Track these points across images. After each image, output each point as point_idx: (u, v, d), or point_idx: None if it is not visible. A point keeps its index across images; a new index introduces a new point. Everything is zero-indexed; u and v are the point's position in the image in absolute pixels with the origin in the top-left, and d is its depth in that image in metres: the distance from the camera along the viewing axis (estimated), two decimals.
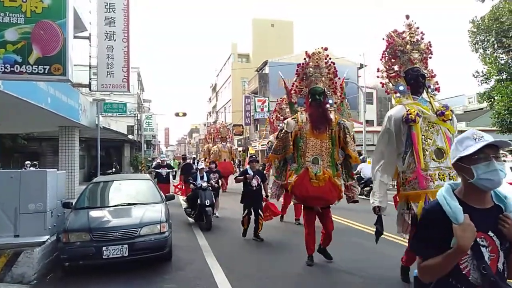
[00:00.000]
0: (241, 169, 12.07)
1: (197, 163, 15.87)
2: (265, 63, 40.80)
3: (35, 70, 5.56)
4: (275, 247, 7.09)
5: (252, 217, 7.50)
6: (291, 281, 5.19)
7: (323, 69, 5.86)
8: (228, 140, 18.27)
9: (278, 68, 39.45)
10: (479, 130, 1.79)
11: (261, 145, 39.94)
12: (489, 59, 18.35)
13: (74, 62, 6.11)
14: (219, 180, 10.48)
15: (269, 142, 9.14)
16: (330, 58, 6.09)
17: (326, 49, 6.03)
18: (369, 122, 28.81)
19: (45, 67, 5.60)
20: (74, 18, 6.64)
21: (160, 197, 6.73)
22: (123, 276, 5.34)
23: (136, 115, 37.08)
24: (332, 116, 5.73)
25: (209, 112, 72.51)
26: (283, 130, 5.76)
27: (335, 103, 6.04)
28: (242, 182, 7.72)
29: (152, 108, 55.95)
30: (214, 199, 8.94)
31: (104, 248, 5.16)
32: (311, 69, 5.84)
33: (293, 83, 6.27)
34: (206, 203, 8.39)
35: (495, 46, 18.81)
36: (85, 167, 24.47)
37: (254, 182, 7.57)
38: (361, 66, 36.92)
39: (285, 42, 49.14)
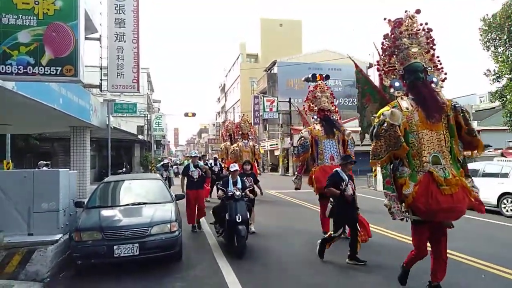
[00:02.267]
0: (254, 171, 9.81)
1: (218, 164, 14.70)
2: (274, 63, 40.80)
3: (47, 71, 5.64)
4: (287, 249, 6.98)
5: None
6: (303, 282, 5.19)
7: (421, 39, 4.58)
8: (250, 137, 15.32)
9: (287, 67, 39.57)
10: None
11: (270, 145, 39.97)
12: (501, 57, 18.09)
13: (85, 63, 6.19)
14: (255, 186, 8.38)
15: (302, 138, 8.05)
16: (426, 24, 4.65)
17: (418, 11, 4.66)
18: None
19: (57, 68, 5.68)
20: (85, 20, 6.72)
21: (170, 196, 6.79)
22: (134, 274, 5.40)
23: (146, 115, 37.37)
24: (443, 98, 4.48)
25: (218, 112, 72.76)
26: (385, 124, 4.24)
27: (442, 80, 4.67)
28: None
29: (162, 108, 56.37)
30: (249, 211, 7.02)
31: (115, 247, 5.22)
32: (405, 39, 4.55)
33: (377, 63, 4.91)
34: (237, 219, 6.24)
35: (507, 44, 18.52)
36: (95, 167, 24.74)
37: (349, 190, 5.85)
38: (370, 66, 36.70)
39: (294, 42, 49.06)
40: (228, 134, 18.14)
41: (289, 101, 35.13)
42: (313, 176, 7.69)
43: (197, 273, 5.57)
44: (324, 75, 19.08)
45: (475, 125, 31.43)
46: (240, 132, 15.19)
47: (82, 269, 5.46)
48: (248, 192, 7.11)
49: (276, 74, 40.14)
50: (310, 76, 18.99)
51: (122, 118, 31.96)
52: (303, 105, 8.93)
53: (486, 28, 18.84)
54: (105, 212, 5.98)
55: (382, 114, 4.31)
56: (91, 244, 5.27)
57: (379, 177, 17.76)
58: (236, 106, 51.45)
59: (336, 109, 8.51)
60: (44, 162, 14.20)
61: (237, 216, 6.28)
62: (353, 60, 7.25)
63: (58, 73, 5.69)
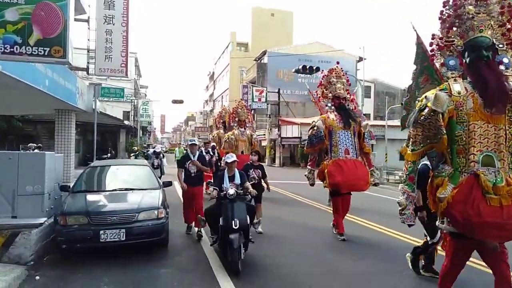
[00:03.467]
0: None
1: (216, 153, 13.11)
2: (264, 52, 40.63)
3: (35, 51, 5.52)
4: (272, 239, 6.88)
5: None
6: (287, 267, 5.27)
7: (492, 7, 3.56)
8: (247, 125, 13.44)
9: (277, 58, 39.50)
10: None
11: (257, 135, 39.95)
12: None
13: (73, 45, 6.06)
14: (262, 180, 7.47)
15: (315, 128, 7.13)
16: None
17: None
18: (366, 116, 28.85)
19: (45, 48, 5.56)
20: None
21: (158, 183, 6.76)
22: (120, 260, 5.39)
23: (133, 100, 36.89)
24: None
25: (206, 101, 72.27)
26: (426, 110, 3.46)
27: None
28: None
29: (148, 94, 55.65)
30: (252, 213, 5.58)
31: (101, 231, 5.19)
32: (470, 6, 3.56)
33: (432, 37, 3.88)
34: (234, 225, 5.00)
35: None
36: (80, 151, 24.38)
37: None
38: (360, 59, 36.92)
39: (285, 33, 48.90)
40: (221, 121, 16.97)
41: (278, 92, 35.13)
42: (326, 171, 6.86)
43: (183, 259, 5.60)
44: (314, 67, 19.08)
45: None
46: (237, 119, 13.29)
47: (66, 253, 5.43)
48: (249, 187, 5.72)
49: (266, 64, 40.01)
50: (300, 67, 18.96)
51: (108, 102, 31.47)
52: (316, 91, 7.93)
53: None
54: (92, 197, 5.92)
55: (425, 97, 3.55)
56: (77, 228, 5.23)
57: None
58: (224, 95, 51.18)
59: (353, 97, 7.74)
60: (35, 145, 13.94)
61: (233, 222, 5.00)
62: (415, 30, 5.22)
63: (46, 53, 5.57)
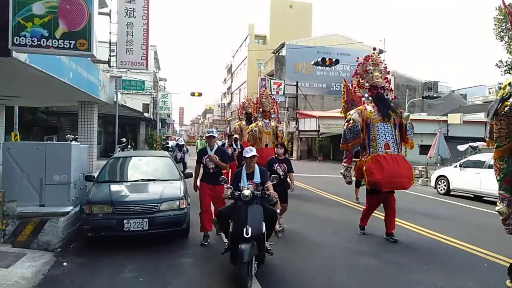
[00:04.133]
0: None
1: (239, 145, 12.06)
2: (282, 45, 40.34)
3: (61, 44, 5.64)
4: (298, 242, 6.27)
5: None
6: (303, 261, 5.29)
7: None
8: (272, 116, 12.36)
9: (295, 50, 39.16)
10: None
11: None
12: None
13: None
14: (288, 175, 6.68)
15: (351, 121, 6.49)
16: None
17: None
18: None
19: (70, 41, 5.68)
20: None
21: (179, 174, 6.87)
22: (143, 248, 5.53)
23: (152, 93, 37.31)
24: None
25: (223, 93, 72.44)
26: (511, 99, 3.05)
27: None
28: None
29: (167, 87, 56.18)
30: (272, 220, 4.68)
31: (125, 221, 5.33)
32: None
33: None
34: (245, 234, 4.14)
35: None
36: (101, 143, 24.91)
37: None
38: (380, 52, 36.22)
39: (303, 25, 48.40)
40: (244, 112, 16.16)
41: (296, 85, 34.90)
42: (364, 168, 6.27)
43: (203, 249, 5.69)
44: (333, 60, 18.85)
45: (482, 116, 31.10)
46: (261, 110, 12.30)
47: (91, 241, 5.60)
48: (270, 188, 4.77)
49: (284, 57, 39.75)
50: (319, 60, 18.76)
51: (128, 95, 31.96)
52: (351, 81, 7.33)
53: (501, 17, 18.50)
54: (116, 187, 6.07)
55: (509, 84, 3.08)
56: (101, 217, 5.38)
57: None
58: (242, 88, 51.17)
59: (391, 86, 7.14)
60: (72, 137, 14.30)
61: (245, 229, 4.14)
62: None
63: (71, 46, 5.70)
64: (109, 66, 12.64)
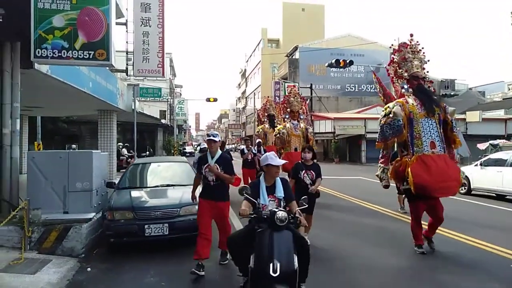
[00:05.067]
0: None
1: (263, 150, 10.45)
2: (295, 48, 40.39)
3: (80, 55, 5.82)
4: (324, 251, 5.71)
5: None
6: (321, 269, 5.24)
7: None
8: (302, 117, 11.10)
9: (309, 53, 39.09)
10: None
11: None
12: None
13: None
14: (315, 181, 5.77)
15: (391, 115, 5.58)
16: None
17: None
18: None
19: (90, 52, 5.85)
20: None
21: None
22: (163, 253, 5.59)
23: (168, 100, 37.82)
24: None
25: (238, 98, 72.78)
26: None
27: None
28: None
29: (183, 93, 56.84)
30: (304, 252, 3.40)
31: (146, 226, 5.42)
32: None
33: None
34: (272, 271, 3.02)
35: None
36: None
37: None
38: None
39: (316, 27, 48.34)
40: (266, 114, 15.09)
41: (310, 87, 34.81)
42: (409, 170, 5.39)
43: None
44: (347, 61, 18.75)
45: (502, 113, 30.12)
46: (288, 110, 11.12)
47: (114, 247, 5.70)
48: (297, 213, 3.64)
49: (297, 60, 39.76)
50: (333, 61, 18.69)
51: (145, 102, 32.47)
52: (386, 69, 6.41)
53: None
54: (136, 193, 6.18)
55: None
56: (123, 223, 5.48)
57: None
58: (256, 92, 51.33)
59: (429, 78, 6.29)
60: (74, 146, 14.52)
61: (271, 264, 3.03)
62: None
63: (91, 57, 5.85)
64: (127, 74, 12.90)
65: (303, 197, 3.81)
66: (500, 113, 30.21)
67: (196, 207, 5.71)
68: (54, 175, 5.90)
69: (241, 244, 3.60)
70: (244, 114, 61.66)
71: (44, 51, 5.66)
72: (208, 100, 28.50)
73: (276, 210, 3.34)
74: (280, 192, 3.78)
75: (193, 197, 5.18)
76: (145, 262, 5.23)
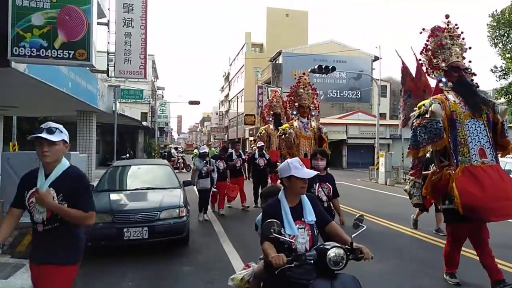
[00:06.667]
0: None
1: (265, 156, 10.16)
2: (279, 53, 40.64)
3: (60, 54, 5.68)
4: None
5: None
6: None
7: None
8: (313, 114, 8.93)
9: (292, 58, 39.36)
10: None
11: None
12: (508, 53, 18.01)
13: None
14: (330, 197, 4.62)
15: (430, 114, 4.30)
16: None
17: None
18: (382, 115, 28.59)
19: (69, 52, 5.73)
20: None
21: (178, 182, 6.88)
22: (143, 257, 5.51)
23: (150, 102, 37.41)
24: None
25: (221, 101, 72.63)
26: None
27: None
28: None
29: (165, 96, 56.37)
30: None
31: (125, 230, 5.32)
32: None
33: None
34: None
35: None
36: (99, 152, 24.87)
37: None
38: (376, 59, 36.55)
39: (300, 33, 48.80)
40: (272, 113, 13.19)
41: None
42: (454, 186, 4.17)
43: (203, 257, 5.68)
44: (330, 67, 18.99)
45: None
46: (296, 104, 8.82)
47: (91, 251, 5.57)
48: (339, 231, 2.61)
49: (281, 65, 40.01)
50: (316, 67, 18.88)
51: (126, 104, 32.02)
52: (418, 60, 5.23)
53: (495, 24, 18.74)
54: (115, 196, 6.07)
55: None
56: (101, 226, 5.36)
57: (381, 169, 17.90)
58: (240, 96, 51.34)
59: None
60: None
61: None
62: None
63: (70, 56, 5.73)
64: (108, 75, 12.70)
65: (357, 216, 2.66)
66: None
67: (177, 210, 5.71)
68: None
69: None
70: (227, 117, 61.56)
71: (22, 50, 5.51)
72: (191, 102, 28.36)
73: (328, 247, 2.28)
74: (310, 214, 2.63)
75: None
76: (124, 266, 5.15)
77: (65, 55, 5.71)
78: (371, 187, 15.65)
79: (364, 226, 2.54)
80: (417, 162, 4.89)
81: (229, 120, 59.26)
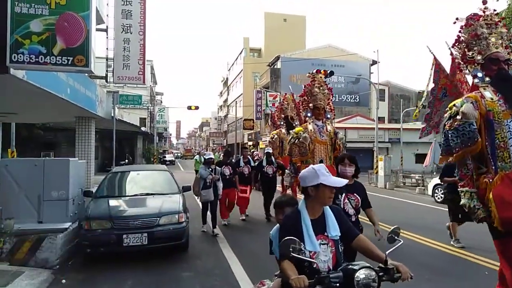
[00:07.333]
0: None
1: (274, 163, 9.38)
2: (277, 58, 40.78)
3: (59, 61, 5.68)
4: None
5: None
6: None
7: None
8: (328, 116, 7.97)
9: (290, 63, 39.45)
10: None
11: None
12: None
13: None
14: (366, 213, 4.04)
15: (461, 116, 3.57)
16: None
17: None
18: (380, 119, 28.63)
19: (68, 58, 5.72)
20: None
21: (177, 187, 6.85)
22: (142, 263, 5.48)
23: (149, 107, 37.44)
24: None
25: (220, 106, 72.71)
26: None
27: None
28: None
29: (164, 101, 56.40)
30: None
31: (124, 236, 5.30)
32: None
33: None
34: None
35: None
36: (98, 158, 24.83)
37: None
38: (374, 63, 36.69)
39: (297, 37, 48.99)
40: (284, 116, 12.41)
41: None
42: (491, 196, 3.52)
43: (203, 263, 5.65)
44: (328, 71, 19.03)
45: None
46: (311, 105, 7.87)
47: (90, 257, 5.55)
48: (369, 244, 2.25)
49: (279, 69, 40.13)
50: (314, 71, 18.94)
51: (125, 109, 32.03)
52: (450, 53, 4.52)
53: None
54: (114, 202, 6.05)
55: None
56: (100, 232, 5.35)
57: (381, 173, 17.91)
58: (238, 100, 51.41)
59: None
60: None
61: None
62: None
63: (69, 63, 5.73)
64: (106, 81, 12.72)
65: (393, 228, 2.33)
66: None
67: (176, 216, 5.69)
68: (28, 184, 5.72)
69: None
70: (226, 122, 61.59)
71: (20, 56, 5.51)
72: (189, 108, 28.37)
73: (356, 267, 1.98)
74: (334, 229, 2.30)
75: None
76: (123, 272, 5.11)
77: (64, 61, 5.70)
78: (371, 191, 15.61)
79: (401, 241, 2.22)
80: (464, 171, 3.94)
81: (227, 125, 59.31)
